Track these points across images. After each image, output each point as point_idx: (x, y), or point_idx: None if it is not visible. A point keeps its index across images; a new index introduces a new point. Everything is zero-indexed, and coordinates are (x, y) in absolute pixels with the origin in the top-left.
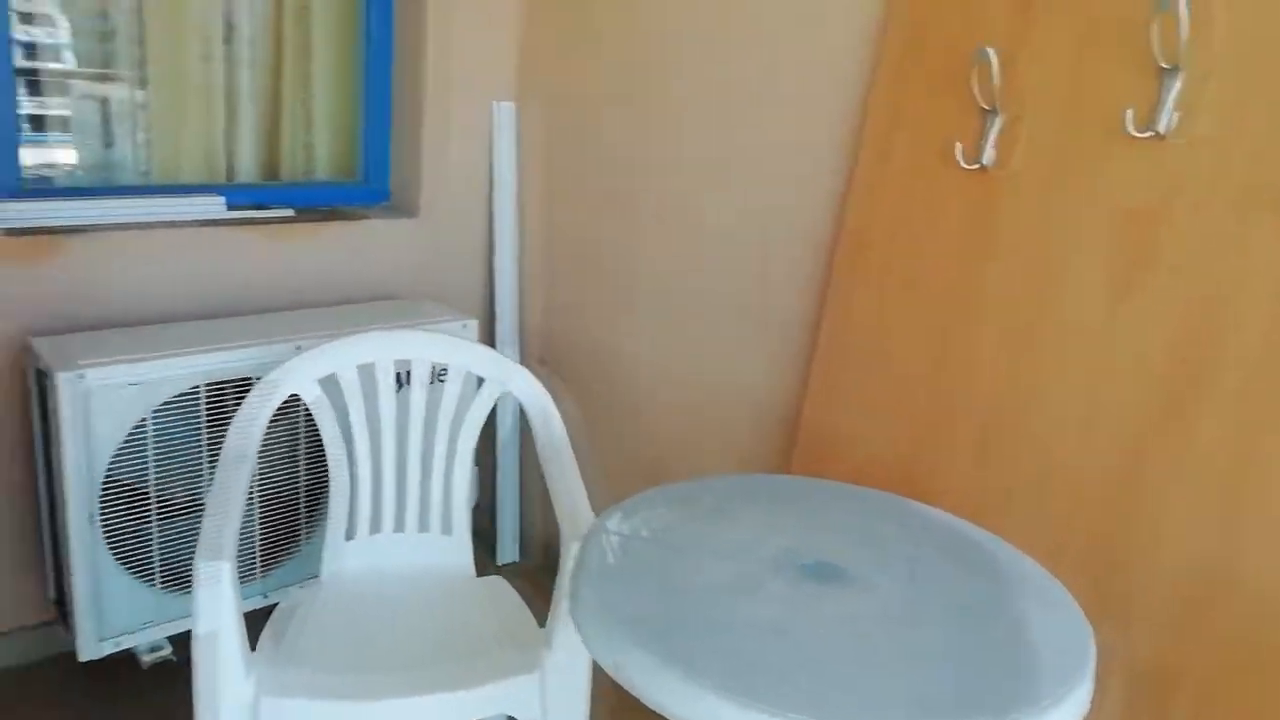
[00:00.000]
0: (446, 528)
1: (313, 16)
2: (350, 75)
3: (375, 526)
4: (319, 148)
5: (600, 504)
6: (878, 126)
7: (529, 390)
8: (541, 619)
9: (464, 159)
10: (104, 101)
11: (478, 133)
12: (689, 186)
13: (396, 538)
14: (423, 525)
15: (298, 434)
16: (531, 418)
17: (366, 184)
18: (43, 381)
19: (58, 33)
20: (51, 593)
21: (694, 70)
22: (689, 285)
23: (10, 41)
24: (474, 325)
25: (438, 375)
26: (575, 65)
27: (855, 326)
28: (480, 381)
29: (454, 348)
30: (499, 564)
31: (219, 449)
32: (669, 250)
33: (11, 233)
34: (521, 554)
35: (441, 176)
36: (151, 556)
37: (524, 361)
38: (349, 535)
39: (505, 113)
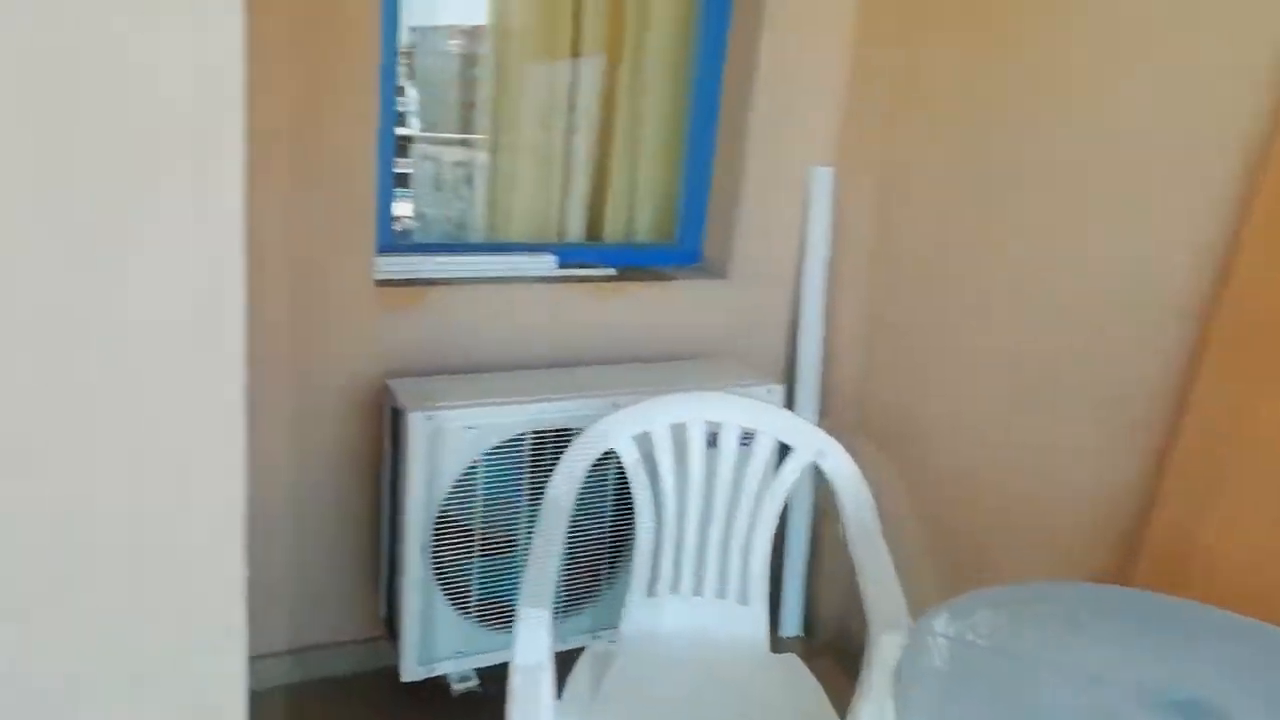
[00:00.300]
0: (743, 597)
1: (645, 88)
2: (675, 143)
3: (674, 586)
4: (640, 210)
5: (911, 591)
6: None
7: (841, 465)
8: (835, 703)
9: (777, 224)
10: (450, 164)
11: (793, 198)
12: (1025, 257)
13: (694, 600)
14: (720, 591)
15: (606, 486)
16: (840, 494)
17: (681, 246)
18: (396, 419)
19: (408, 102)
20: (383, 612)
21: (1036, 137)
22: (1019, 363)
23: (395, 113)
24: (779, 390)
25: (743, 439)
26: (903, 131)
27: (1233, 421)
28: (783, 448)
29: (766, 414)
30: (780, 636)
31: (537, 494)
32: (998, 325)
33: (381, 284)
34: (805, 629)
35: (753, 240)
36: (470, 590)
37: (825, 428)
38: (649, 592)
39: (823, 178)
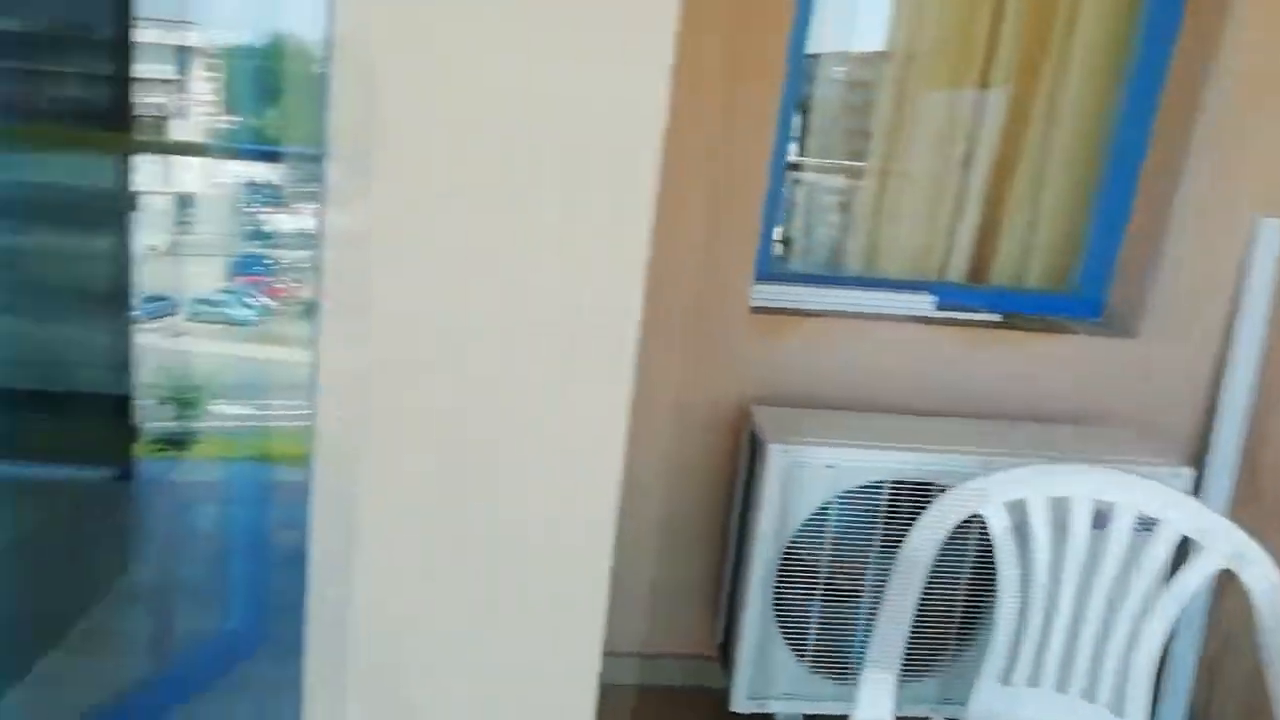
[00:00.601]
0: (1118, 705)
1: (1058, 119)
2: (1085, 181)
3: (1034, 679)
4: (1034, 253)
5: None
6: None
7: (1265, 576)
8: None
9: (1206, 280)
10: (825, 192)
11: (1229, 252)
12: None
13: (1056, 698)
14: (1089, 693)
15: (966, 550)
16: (1262, 611)
17: (1080, 295)
18: (754, 448)
19: (792, 128)
20: (719, 637)
21: None
22: None
23: (789, 140)
24: (1188, 476)
25: (1137, 525)
26: None
27: None
28: (1185, 540)
29: (1174, 502)
30: None
31: (889, 546)
32: None
33: (756, 310)
34: None
35: (1173, 297)
36: (808, 634)
37: (1242, 521)
38: (1004, 679)
39: (1273, 230)
